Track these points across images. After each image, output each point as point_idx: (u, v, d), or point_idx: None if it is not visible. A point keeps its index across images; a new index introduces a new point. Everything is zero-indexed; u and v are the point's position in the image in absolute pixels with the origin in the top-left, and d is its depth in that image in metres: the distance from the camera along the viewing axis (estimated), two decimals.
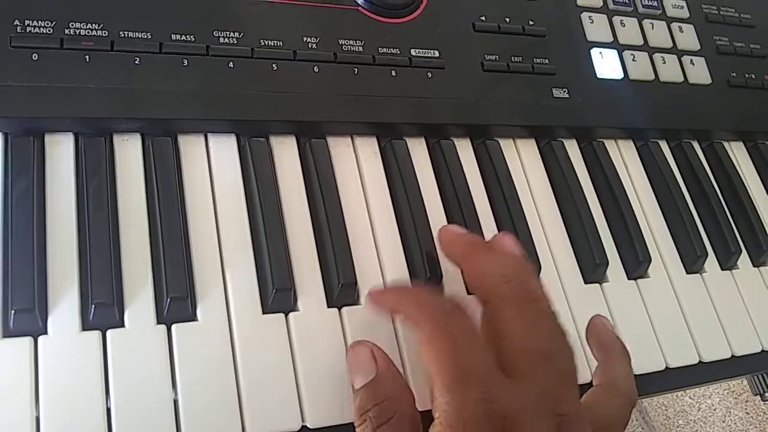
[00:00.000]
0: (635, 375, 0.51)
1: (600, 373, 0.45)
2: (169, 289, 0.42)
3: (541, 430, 0.36)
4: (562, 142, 0.59)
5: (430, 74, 0.55)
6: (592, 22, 0.64)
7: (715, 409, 1.60)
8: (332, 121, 0.52)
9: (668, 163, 0.63)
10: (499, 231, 0.54)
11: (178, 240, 0.44)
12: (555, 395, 0.37)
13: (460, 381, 0.36)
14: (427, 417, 0.37)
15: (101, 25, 0.46)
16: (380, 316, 0.46)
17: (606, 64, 0.62)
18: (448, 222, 0.52)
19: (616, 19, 0.65)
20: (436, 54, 0.56)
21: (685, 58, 0.67)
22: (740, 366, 0.58)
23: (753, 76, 0.69)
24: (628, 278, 0.56)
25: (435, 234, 0.50)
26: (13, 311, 0.39)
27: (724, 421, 1.58)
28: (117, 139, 0.47)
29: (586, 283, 0.54)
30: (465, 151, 0.56)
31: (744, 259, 0.62)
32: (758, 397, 0.77)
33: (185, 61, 0.47)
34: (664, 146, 0.64)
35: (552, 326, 0.40)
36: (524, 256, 0.46)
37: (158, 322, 0.42)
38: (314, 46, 0.52)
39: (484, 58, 0.57)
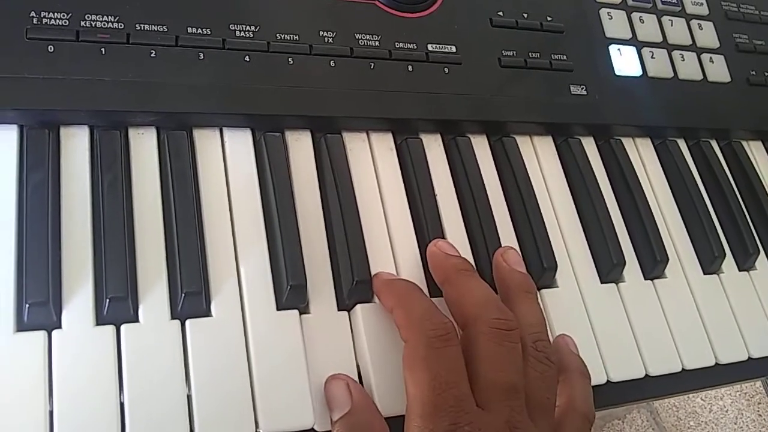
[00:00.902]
0: (652, 377, 0.51)
1: (559, 392, 0.46)
2: (184, 284, 0.42)
3: None
4: (580, 140, 0.59)
5: (446, 70, 0.54)
6: (611, 18, 0.63)
7: (726, 411, 1.59)
8: (348, 116, 0.51)
9: (686, 161, 0.62)
10: (515, 229, 0.53)
11: (193, 235, 0.43)
12: (519, 425, 0.40)
13: (432, 412, 0.39)
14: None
15: (117, 18, 0.46)
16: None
17: (624, 61, 0.62)
18: (464, 220, 0.52)
19: (635, 16, 0.64)
20: (453, 49, 0.55)
21: (705, 56, 0.66)
22: (757, 368, 0.57)
23: None
24: (645, 278, 0.56)
25: (450, 231, 0.50)
26: (27, 305, 0.39)
27: (735, 423, 1.58)
28: (132, 133, 0.46)
29: (602, 282, 0.54)
30: (481, 147, 0.56)
31: (762, 260, 0.61)
32: None
33: (201, 55, 0.47)
34: (682, 145, 0.64)
35: (518, 357, 0.43)
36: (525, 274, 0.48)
37: (172, 318, 0.42)
38: (330, 40, 0.51)
39: (501, 53, 0.57)
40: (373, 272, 0.47)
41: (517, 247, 0.52)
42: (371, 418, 0.43)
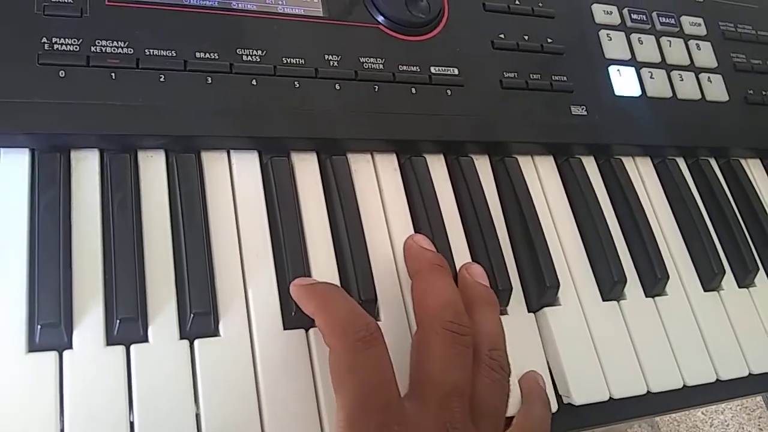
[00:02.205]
0: (654, 393, 0.52)
1: (518, 413, 0.47)
2: (193, 305, 0.42)
3: None
4: (580, 159, 0.60)
5: (449, 91, 0.55)
6: (610, 40, 0.64)
7: (727, 425, 1.59)
8: (353, 138, 0.52)
9: (686, 180, 0.63)
10: (517, 247, 0.54)
11: (201, 256, 0.44)
12: (456, 424, 0.40)
13: (360, 414, 0.39)
14: None
15: (127, 43, 0.47)
16: (400, 332, 0.47)
17: (624, 82, 0.63)
18: (467, 239, 0.53)
19: (634, 37, 0.65)
20: (456, 72, 0.56)
21: (703, 76, 0.67)
22: (757, 384, 0.57)
23: None
24: (646, 296, 0.56)
25: (454, 250, 0.51)
26: (39, 326, 0.39)
27: None
28: (141, 156, 0.47)
29: (604, 300, 0.55)
30: (484, 167, 0.57)
31: (761, 276, 0.62)
32: None
33: (209, 79, 0.48)
34: (681, 163, 0.64)
35: (468, 364, 0.43)
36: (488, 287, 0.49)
37: (181, 337, 0.42)
38: (336, 63, 0.52)
39: (502, 75, 0.58)
40: (379, 292, 0.48)
41: (514, 266, 0.53)
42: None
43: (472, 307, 0.47)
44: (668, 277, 0.56)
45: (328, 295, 0.44)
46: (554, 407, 0.49)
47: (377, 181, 0.53)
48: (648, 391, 0.52)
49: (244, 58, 0.49)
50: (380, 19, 0.55)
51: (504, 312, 0.51)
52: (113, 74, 0.46)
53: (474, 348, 0.44)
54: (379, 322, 0.47)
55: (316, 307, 0.43)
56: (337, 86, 0.52)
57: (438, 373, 0.42)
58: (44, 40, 0.45)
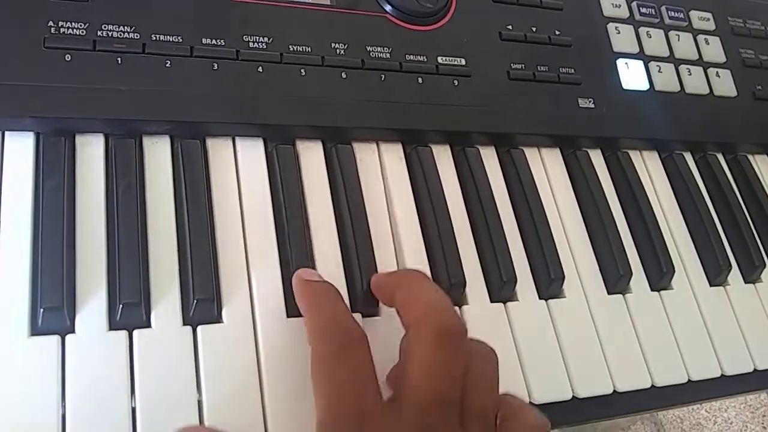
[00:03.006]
0: (657, 388, 0.51)
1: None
2: (196, 291, 0.42)
3: None
4: (587, 152, 0.59)
5: (456, 82, 0.55)
6: (619, 33, 0.64)
7: (731, 423, 1.59)
8: (358, 126, 0.52)
9: (693, 174, 0.63)
10: (523, 239, 0.54)
11: (205, 242, 0.44)
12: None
13: (335, 420, 0.38)
14: None
15: (133, 28, 0.47)
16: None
17: (632, 75, 0.62)
18: (473, 230, 0.53)
19: (643, 31, 0.65)
20: (463, 62, 0.56)
21: (711, 70, 0.66)
22: (762, 380, 0.57)
23: None
24: (652, 289, 0.56)
25: (459, 241, 0.51)
26: (41, 309, 0.39)
27: None
28: (146, 141, 0.47)
29: (609, 293, 0.54)
30: (490, 159, 0.56)
31: None
32: None
33: (215, 65, 0.48)
34: (688, 158, 0.64)
35: (459, 366, 0.40)
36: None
37: (184, 324, 0.42)
38: (342, 52, 0.52)
39: (510, 66, 0.57)
40: None
41: (524, 257, 0.53)
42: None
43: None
44: (674, 271, 0.56)
45: (319, 297, 0.43)
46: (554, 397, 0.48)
47: (382, 171, 0.53)
48: (652, 385, 0.52)
49: (251, 45, 0.49)
50: (388, 8, 0.55)
51: (515, 300, 0.51)
52: (119, 59, 0.46)
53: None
54: (377, 318, 0.47)
55: (305, 306, 0.43)
56: (344, 75, 0.51)
57: (421, 381, 0.39)
58: (50, 23, 0.45)
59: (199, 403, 0.41)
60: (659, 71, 0.63)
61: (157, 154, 0.47)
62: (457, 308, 0.49)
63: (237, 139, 0.49)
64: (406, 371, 0.40)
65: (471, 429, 0.39)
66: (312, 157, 0.51)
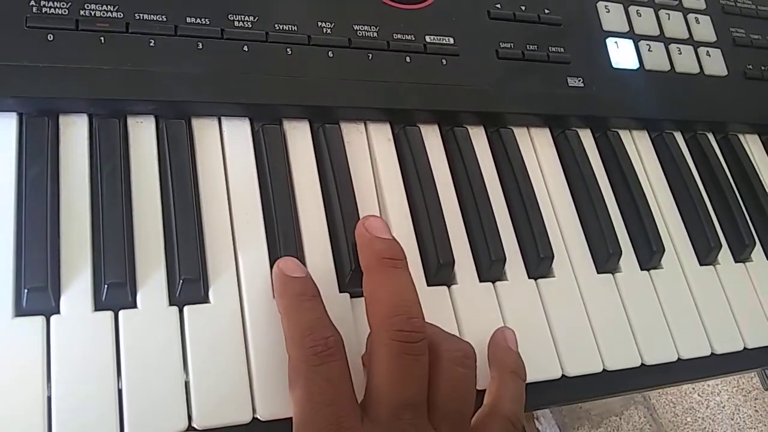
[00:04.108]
0: (647, 366, 0.51)
1: (489, 391, 0.45)
2: (182, 271, 0.42)
3: None
4: (577, 132, 0.59)
5: (444, 61, 0.54)
6: (608, 12, 0.63)
7: (723, 407, 1.60)
8: (346, 106, 0.51)
9: (683, 154, 0.62)
10: (512, 219, 0.54)
11: (191, 223, 0.44)
12: None
13: (309, 427, 0.38)
14: None
15: (116, 7, 0.46)
16: None
17: (621, 54, 0.62)
18: (461, 210, 0.52)
19: (633, 9, 0.65)
20: (451, 41, 0.55)
21: (701, 50, 0.66)
22: (752, 359, 0.57)
23: None
24: (641, 269, 0.56)
25: (448, 221, 0.50)
26: (26, 290, 0.39)
27: (732, 419, 1.58)
28: (131, 121, 0.46)
29: (598, 272, 0.54)
30: (479, 138, 0.56)
31: (758, 251, 0.61)
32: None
33: (200, 44, 0.47)
34: (678, 137, 0.64)
35: (421, 371, 0.40)
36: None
37: (170, 304, 0.42)
38: (329, 31, 0.51)
39: (498, 45, 0.57)
40: None
41: (513, 237, 0.53)
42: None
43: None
44: (664, 250, 0.56)
45: (297, 301, 0.42)
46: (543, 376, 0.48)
47: (370, 151, 0.52)
48: (642, 364, 0.52)
49: (236, 23, 0.49)
50: None
51: (504, 279, 0.51)
52: (102, 38, 0.45)
53: (431, 346, 0.42)
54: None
55: (283, 309, 0.43)
56: (330, 54, 0.51)
57: (386, 388, 0.40)
58: (32, 3, 0.45)
59: (186, 384, 0.41)
60: (649, 50, 0.63)
61: (142, 134, 0.46)
62: (445, 288, 0.49)
63: (223, 119, 0.49)
64: (370, 377, 0.40)
65: (443, 429, 0.40)
66: (299, 137, 0.50)
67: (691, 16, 0.67)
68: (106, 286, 0.40)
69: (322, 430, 0.38)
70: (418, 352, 0.40)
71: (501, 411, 0.44)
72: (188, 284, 0.42)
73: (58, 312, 0.40)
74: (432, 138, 0.54)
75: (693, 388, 1.63)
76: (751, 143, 0.68)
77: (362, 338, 0.44)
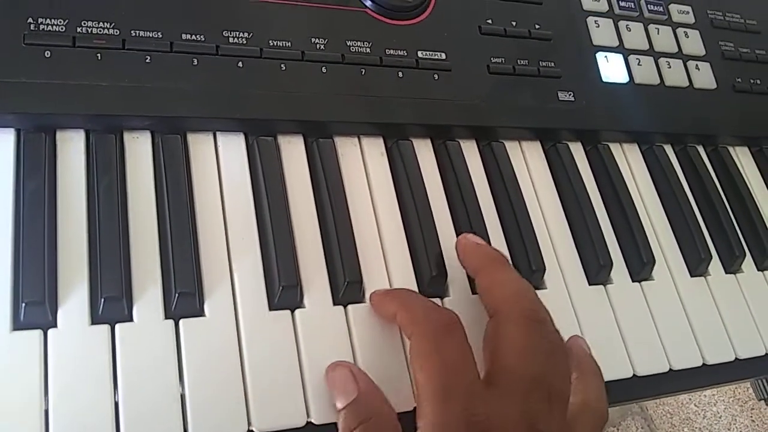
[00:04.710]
0: (639, 377, 0.52)
1: (574, 391, 0.45)
2: (178, 285, 0.42)
3: None
4: (567, 145, 0.60)
5: (436, 76, 0.55)
6: (598, 27, 0.64)
7: (720, 417, 1.60)
8: (339, 121, 0.52)
9: (673, 167, 0.63)
10: (504, 232, 0.54)
11: (187, 237, 0.44)
12: (537, 415, 0.39)
13: (444, 396, 0.39)
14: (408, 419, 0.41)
15: (113, 24, 0.47)
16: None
17: (611, 68, 0.63)
18: (454, 223, 0.53)
19: (622, 24, 0.65)
20: (443, 56, 0.56)
21: (691, 63, 0.67)
22: (744, 369, 0.58)
23: (758, 82, 0.69)
24: (632, 280, 0.56)
25: (440, 234, 0.51)
26: (23, 304, 0.39)
27: (729, 429, 1.58)
28: (127, 137, 0.47)
29: (590, 284, 0.55)
30: (471, 152, 0.57)
31: (748, 263, 0.62)
32: (763, 403, 0.77)
33: (195, 61, 0.48)
34: (669, 150, 0.65)
35: (549, 348, 0.42)
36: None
37: (166, 317, 0.43)
38: (322, 47, 0.52)
39: (490, 60, 0.58)
40: (365, 275, 0.48)
41: (506, 250, 0.53)
42: (380, 403, 0.42)
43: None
44: (654, 261, 0.56)
45: (409, 295, 0.46)
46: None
47: (364, 165, 0.53)
48: (634, 375, 0.52)
49: (231, 40, 0.50)
50: (368, 3, 0.55)
51: None
52: (99, 55, 0.46)
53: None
54: (364, 304, 0.47)
55: (398, 305, 0.45)
56: (324, 69, 0.52)
57: (515, 362, 0.41)
58: (30, 20, 0.45)
59: (182, 397, 0.41)
60: (639, 64, 0.64)
61: (138, 149, 0.47)
62: (439, 300, 0.49)
63: (218, 134, 0.49)
64: (499, 353, 0.41)
65: (557, 414, 0.41)
66: (293, 151, 0.51)
67: (680, 30, 0.68)
68: (102, 299, 0.41)
69: (457, 396, 0.39)
70: (546, 330, 0.43)
71: (592, 407, 0.45)
72: (184, 298, 0.42)
73: (55, 325, 0.40)
74: (424, 152, 0.55)
75: (690, 399, 1.63)
76: (741, 155, 0.69)
77: (357, 347, 0.45)
